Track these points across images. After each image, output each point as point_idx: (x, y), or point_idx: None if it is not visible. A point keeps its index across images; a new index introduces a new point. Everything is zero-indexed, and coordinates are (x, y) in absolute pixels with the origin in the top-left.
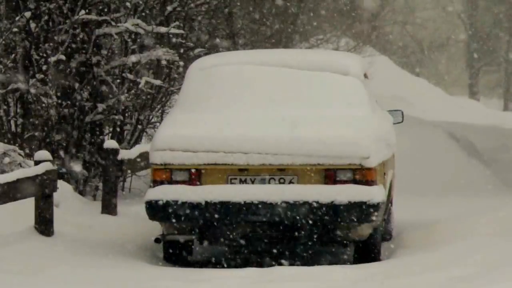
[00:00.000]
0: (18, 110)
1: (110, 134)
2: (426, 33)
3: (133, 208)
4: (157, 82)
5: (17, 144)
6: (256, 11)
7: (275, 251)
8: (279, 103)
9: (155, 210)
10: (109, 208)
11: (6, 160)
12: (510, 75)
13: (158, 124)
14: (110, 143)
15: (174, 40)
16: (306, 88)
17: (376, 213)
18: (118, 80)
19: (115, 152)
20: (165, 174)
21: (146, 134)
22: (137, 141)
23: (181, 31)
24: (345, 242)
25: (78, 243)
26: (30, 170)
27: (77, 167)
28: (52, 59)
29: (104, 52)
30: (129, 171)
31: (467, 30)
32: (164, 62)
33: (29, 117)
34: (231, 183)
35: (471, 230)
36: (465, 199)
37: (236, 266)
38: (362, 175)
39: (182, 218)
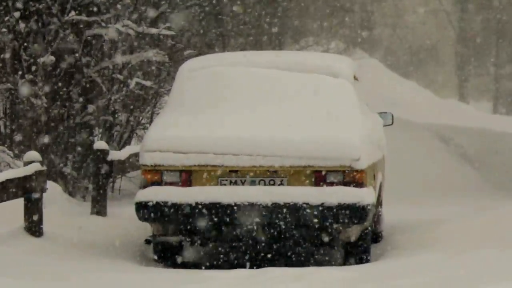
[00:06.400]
0: (7, 111)
1: (100, 135)
2: (415, 36)
3: (123, 209)
4: (147, 83)
5: (6, 145)
6: (246, 13)
7: (265, 252)
8: (269, 104)
9: (145, 211)
10: (98, 209)
11: None
12: (499, 78)
13: (148, 125)
14: (100, 144)
15: (164, 41)
16: (296, 90)
17: (366, 215)
18: (108, 81)
19: (105, 153)
20: (155, 176)
21: (136, 135)
22: (127, 142)
23: (172, 33)
24: (335, 243)
25: (67, 244)
26: (19, 170)
27: (66, 168)
28: (42, 59)
29: (94, 52)
30: (119, 172)
31: (456, 33)
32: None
33: (19, 118)
34: (221, 184)
35: (464, 231)
36: (455, 201)
37: (226, 267)
38: (352, 177)
39: (172, 219)
